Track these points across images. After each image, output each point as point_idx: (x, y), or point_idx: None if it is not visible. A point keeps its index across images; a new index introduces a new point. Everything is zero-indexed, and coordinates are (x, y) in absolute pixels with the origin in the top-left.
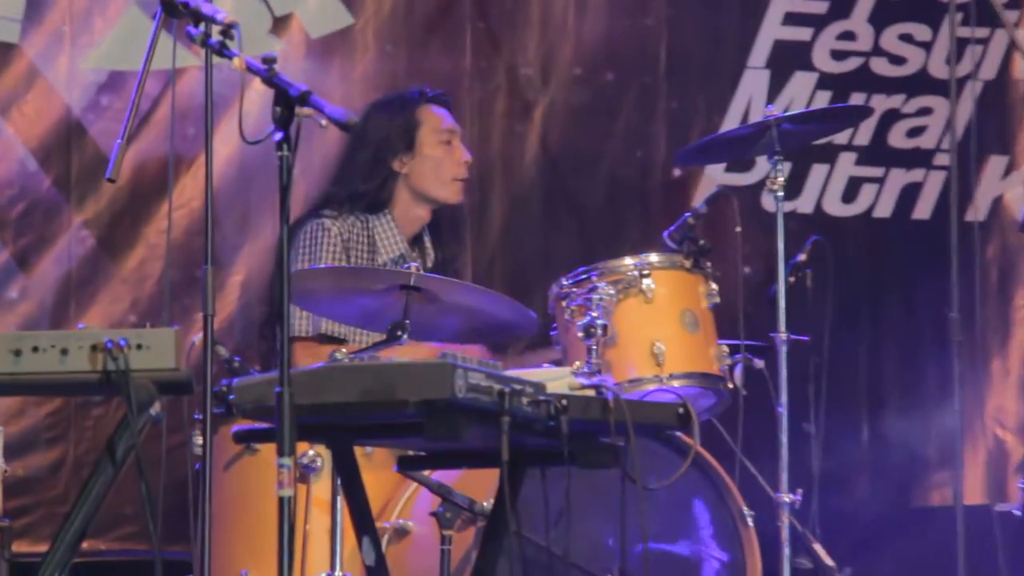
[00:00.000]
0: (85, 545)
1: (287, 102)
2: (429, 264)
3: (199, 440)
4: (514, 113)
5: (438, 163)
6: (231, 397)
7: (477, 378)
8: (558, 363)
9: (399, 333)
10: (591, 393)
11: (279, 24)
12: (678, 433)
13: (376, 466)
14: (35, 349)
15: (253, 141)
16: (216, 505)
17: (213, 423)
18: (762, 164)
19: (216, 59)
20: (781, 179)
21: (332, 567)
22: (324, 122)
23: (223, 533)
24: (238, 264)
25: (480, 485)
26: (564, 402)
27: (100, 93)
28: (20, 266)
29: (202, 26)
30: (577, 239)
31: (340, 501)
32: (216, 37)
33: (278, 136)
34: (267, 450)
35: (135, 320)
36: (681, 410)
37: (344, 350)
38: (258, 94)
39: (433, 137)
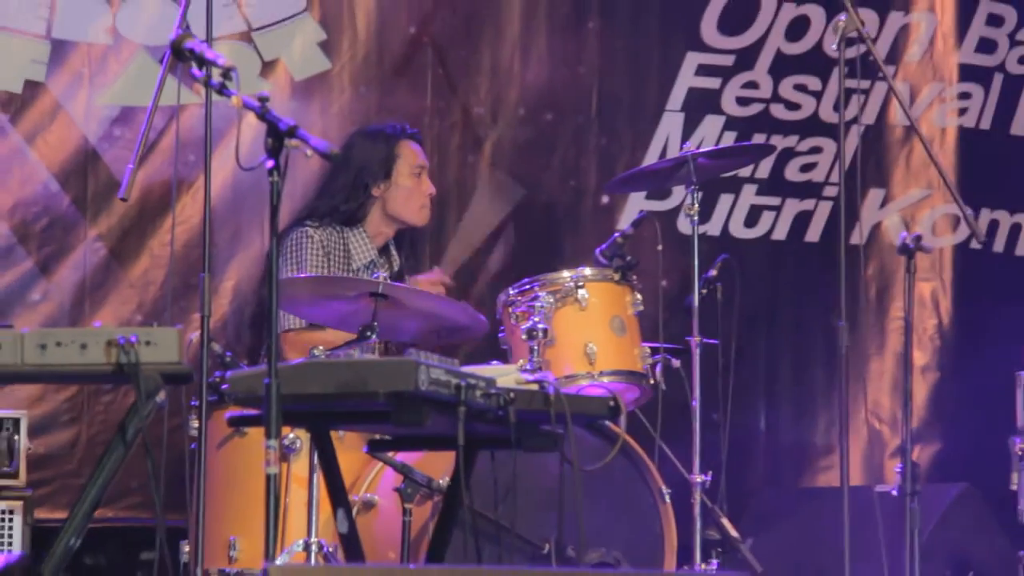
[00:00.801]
0: (96, 513)
1: (277, 135)
2: (395, 269)
3: (195, 424)
4: (467, 146)
5: (409, 192)
6: (224, 387)
7: (438, 373)
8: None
9: (368, 333)
10: (535, 387)
11: (267, 68)
12: (607, 423)
13: (347, 448)
14: (58, 344)
15: (248, 168)
16: (208, 480)
17: (207, 409)
18: (677, 193)
19: (215, 97)
20: (697, 206)
21: (308, 534)
22: (309, 152)
23: (214, 505)
24: (230, 271)
25: (437, 465)
26: (512, 395)
27: (113, 125)
28: (42, 272)
29: (205, 69)
30: (519, 254)
31: (316, 477)
32: (217, 79)
33: (269, 164)
34: (254, 433)
35: (141, 319)
36: (612, 403)
37: (322, 347)
38: (250, 127)
39: (407, 169)
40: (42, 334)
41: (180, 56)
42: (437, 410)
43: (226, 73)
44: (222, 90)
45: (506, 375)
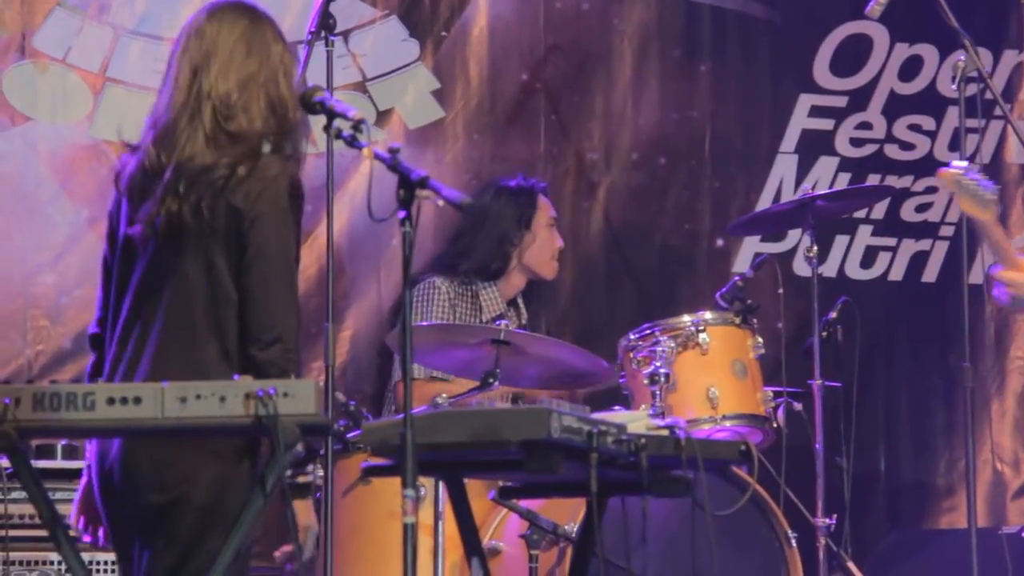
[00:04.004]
0: None
1: (409, 185)
2: (523, 322)
3: (320, 472)
4: (581, 192)
5: (544, 245)
6: (349, 435)
7: (569, 420)
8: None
9: (490, 380)
10: (665, 433)
11: (382, 117)
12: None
13: (472, 495)
14: (198, 397)
15: (380, 219)
16: (335, 529)
17: (332, 457)
18: (792, 234)
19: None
20: (816, 248)
21: None
22: (441, 203)
23: (341, 554)
24: (347, 321)
25: (562, 511)
26: (643, 440)
27: None
28: None
29: (336, 121)
30: (635, 299)
31: (441, 524)
32: (347, 131)
33: (401, 215)
34: (379, 482)
35: None
36: (743, 447)
37: (445, 395)
38: (363, 176)
39: (544, 222)
40: (182, 387)
41: (310, 109)
42: (569, 457)
43: (356, 125)
44: (353, 142)
45: (636, 421)
